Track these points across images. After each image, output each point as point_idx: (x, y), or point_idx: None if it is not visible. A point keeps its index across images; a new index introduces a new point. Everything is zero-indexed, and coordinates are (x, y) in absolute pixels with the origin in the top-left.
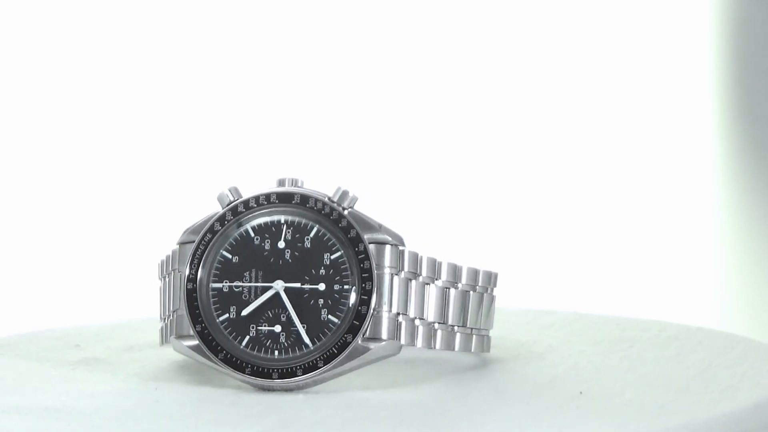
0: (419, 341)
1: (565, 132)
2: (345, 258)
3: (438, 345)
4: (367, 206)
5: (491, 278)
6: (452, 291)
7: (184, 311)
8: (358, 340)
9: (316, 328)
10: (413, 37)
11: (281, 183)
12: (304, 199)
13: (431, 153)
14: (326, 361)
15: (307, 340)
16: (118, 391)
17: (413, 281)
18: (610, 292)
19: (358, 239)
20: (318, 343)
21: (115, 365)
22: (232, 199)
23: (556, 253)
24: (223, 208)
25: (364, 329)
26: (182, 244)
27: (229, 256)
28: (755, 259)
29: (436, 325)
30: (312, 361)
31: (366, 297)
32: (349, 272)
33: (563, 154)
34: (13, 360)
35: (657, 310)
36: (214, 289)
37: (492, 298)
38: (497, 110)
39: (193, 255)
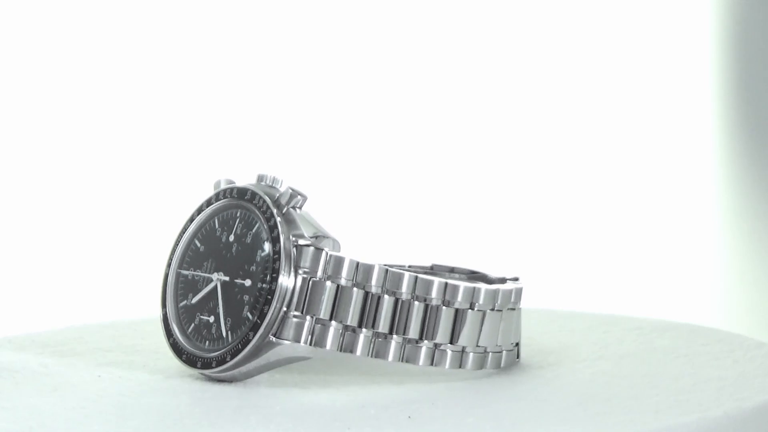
0: (358, 349)
1: (567, 134)
2: (269, 257)
3: (391, 356)
4: (368, 205)
5: (465, 292)
6: (418, 304)
7: None
8: (263, 338)
9: (237, 323)
10: (413, 39)
11: (261, 179)
12: (252, 195)
13: (432, 155)
14: (233, 356)
15: (224, 333)
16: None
17: (355, 289)
18: (611, 291)
19: (277, 239)
20: (235, 338)
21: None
22: (220, 188)
23: (556, 254)
24: None
25: (270, 329)
26: None
27: (199, 244)
28: (755, 259)
29: (394, 337)
30: (222, 355)
31: (270, 297)
32: (269, 271)
33: (564, 155)
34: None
35: (656, 310)
36: (182, 276)
37: (476, 315)
38: (499, 113)
39: (176, 242)
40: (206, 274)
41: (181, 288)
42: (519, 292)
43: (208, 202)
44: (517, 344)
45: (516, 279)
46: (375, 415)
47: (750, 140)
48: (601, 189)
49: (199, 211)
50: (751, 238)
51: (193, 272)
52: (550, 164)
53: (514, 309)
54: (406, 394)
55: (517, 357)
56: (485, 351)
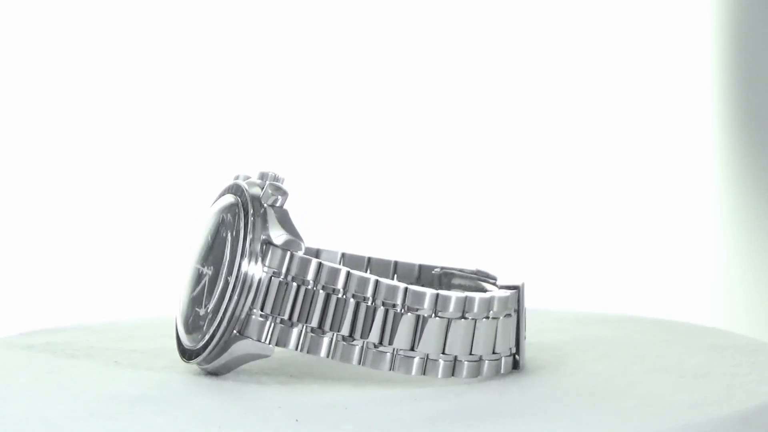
0: (322, 351)
1: (568, 134)
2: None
3: (355, 360)
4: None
5: (428, 299)
6: (380, 309)
7: None
8: (229, 334)
9: (215, 317)
10: (411, 38)
11: (262, 176)
12: (241, 192)
13: (441, 157)
14: (204, 349)
15: (204, 327)
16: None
17: (321, 291)
18: (610, 291)
19: (245, 237)
20: (208, 331)
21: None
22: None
23: (556, 254)
24: None
25: (234, 325)
26: None
27: (210, 239)
28: (755, 259)
29: (357, 341)
30: (200, 348)
31: (233, 293)
32: (236, 268)
33: (565, 155)
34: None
35: (656, 310)
36: (196, 269)
37: (441, 322)
38: (500, 114)
39: (194, 237)
40: (203, 268)
41: (192, 281)
42: (503, 300)
43: (217, 198)
44: (514, 354)
45: (512, 287)
46: (271, 416)
47: (750, 140)
48: (602, 189)
49: (211, 206)
50: (751, 238)
51: (199, 266)
52: (549, 165)
53: (497, 318)
54: (350, 397)
55: (515, 367)
56: (455, 360)
